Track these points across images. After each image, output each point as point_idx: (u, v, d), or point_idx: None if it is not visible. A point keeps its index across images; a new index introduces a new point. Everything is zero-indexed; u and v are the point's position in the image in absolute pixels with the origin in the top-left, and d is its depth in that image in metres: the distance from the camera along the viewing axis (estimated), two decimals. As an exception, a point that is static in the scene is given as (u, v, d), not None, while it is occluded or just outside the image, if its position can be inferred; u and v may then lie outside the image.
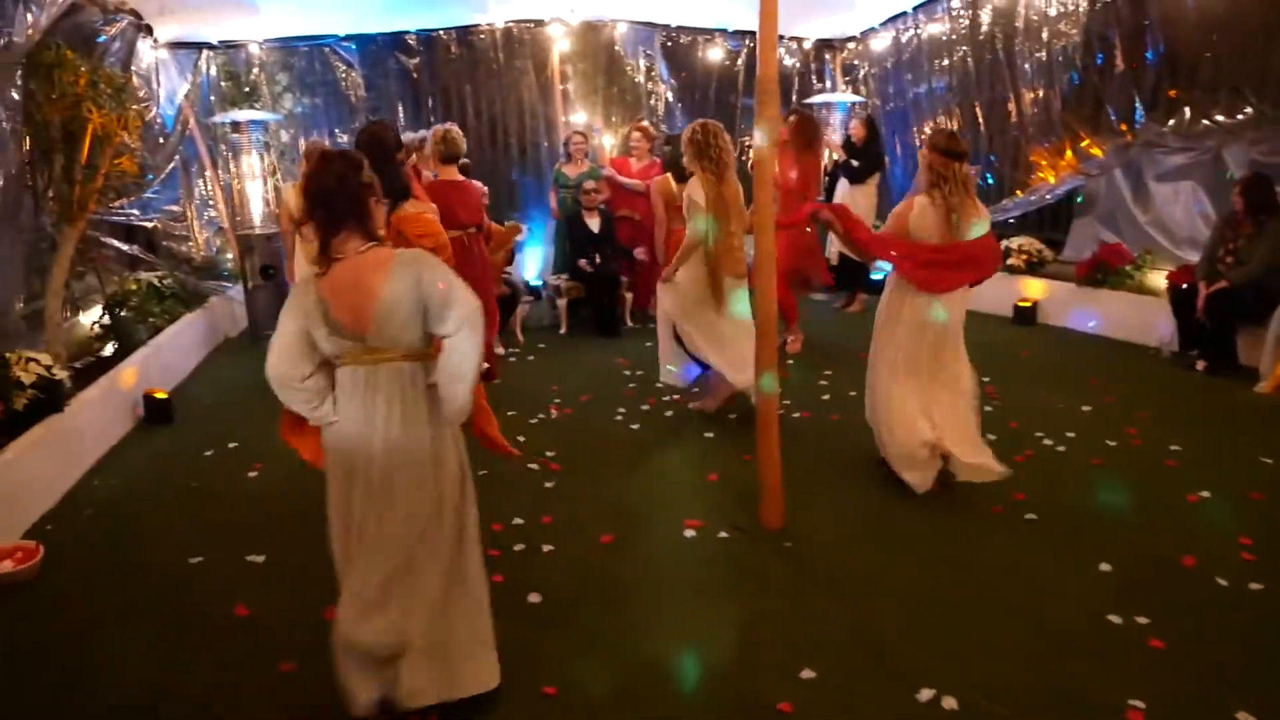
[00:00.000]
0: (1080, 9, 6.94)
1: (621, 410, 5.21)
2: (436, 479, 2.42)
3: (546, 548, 3.51)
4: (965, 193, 3.74)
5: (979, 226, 3.76)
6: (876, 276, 7.65)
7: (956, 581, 3.20)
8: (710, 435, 4.75)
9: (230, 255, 7.92)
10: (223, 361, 6.92)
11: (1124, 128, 6.85)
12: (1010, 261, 7.44)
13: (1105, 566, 3.28)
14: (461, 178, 5.73)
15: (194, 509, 4.04)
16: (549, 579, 3.28)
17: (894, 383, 3.87)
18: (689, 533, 3.62)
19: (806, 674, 2.68)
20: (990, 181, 8.18)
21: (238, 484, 4.32)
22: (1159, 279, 6.52)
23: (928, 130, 8.68)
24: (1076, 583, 3.18)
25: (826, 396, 5.34)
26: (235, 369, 6.66)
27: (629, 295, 7.50)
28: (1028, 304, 7.30)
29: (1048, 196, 7.69)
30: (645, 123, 8.25)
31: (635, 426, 4.94)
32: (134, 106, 5.58)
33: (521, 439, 4.67)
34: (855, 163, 7.65)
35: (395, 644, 2.37)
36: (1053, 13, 7.13)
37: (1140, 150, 7.04)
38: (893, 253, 3.81)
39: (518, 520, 3.75)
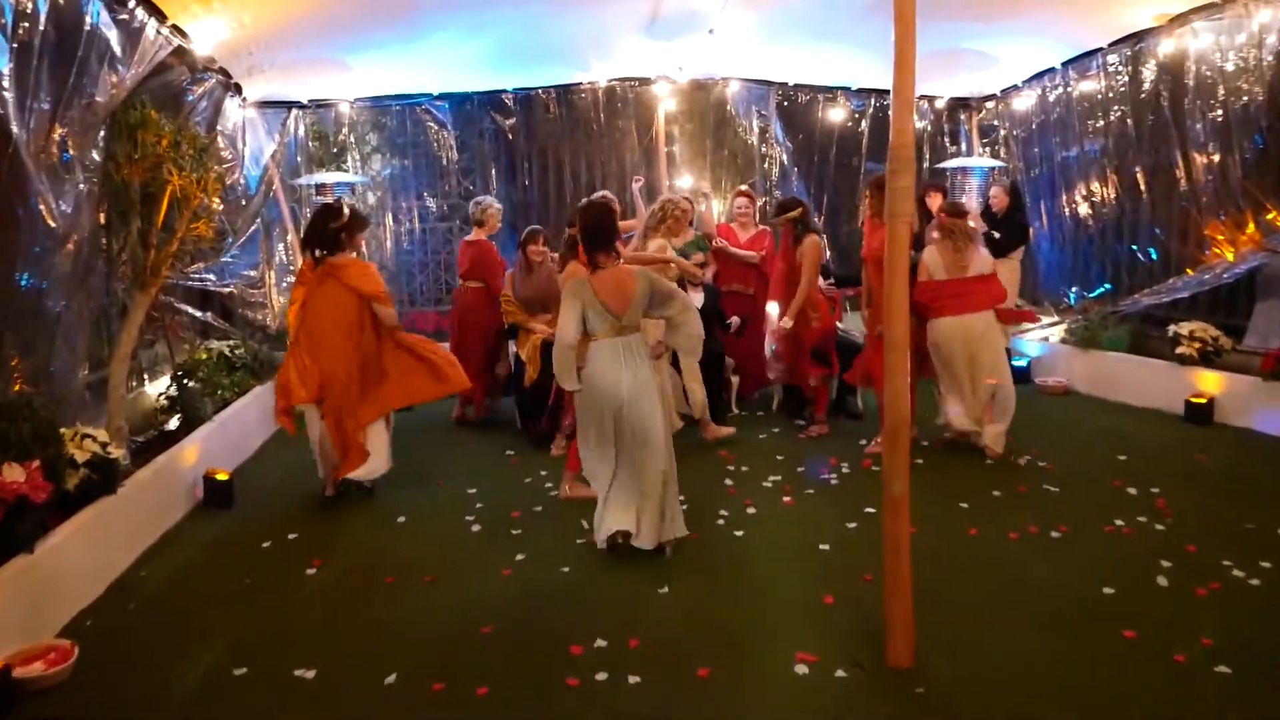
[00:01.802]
0: (1264, 63, 6.56)
1: (724, 513, 4.97)
2: (660, 398, 4.36)
3: (633, 679, 3.28)
4: (968, 240, 5.83)
5: (979, 266, 5.85)
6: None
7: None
8: (825, 548, 4.46)
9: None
10: (289, 439, 6.91)
11: (1319, 198, 6.39)
12: (1180, 350, 6.97)
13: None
14: None
15: (245, 608, 3.97)
16: (635, 717, 3.04)
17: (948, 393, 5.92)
18: (800, 668, 3.33)
19: None
20: (1155, 257, 7.75)
21: (295, 581, 4.24)
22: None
23: (1078, 198, 8.33)
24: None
25: (965, 504, 5.00)
26: (302, 448, 6.64)
27: (735, 379, 7.30)
28: (1202, 400, 6.78)
29: (1225, 276, 7.19)
30: (745, 187, 8.17)
31: (739, 533, 4.69)
32: (215, 168, 5.72)
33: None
34: (996, 234, 7.35)
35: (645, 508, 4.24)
36: (1230, 68, 6.77)
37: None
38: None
39: (600, 642, 3.53)
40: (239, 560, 4.54)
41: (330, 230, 5.14)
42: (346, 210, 5.23)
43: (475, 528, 4.91)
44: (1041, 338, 8.61)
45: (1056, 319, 8.66)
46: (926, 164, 9.47)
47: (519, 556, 4.45)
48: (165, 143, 5.03)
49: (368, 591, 4.10)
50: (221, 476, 5.39)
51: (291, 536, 4.82)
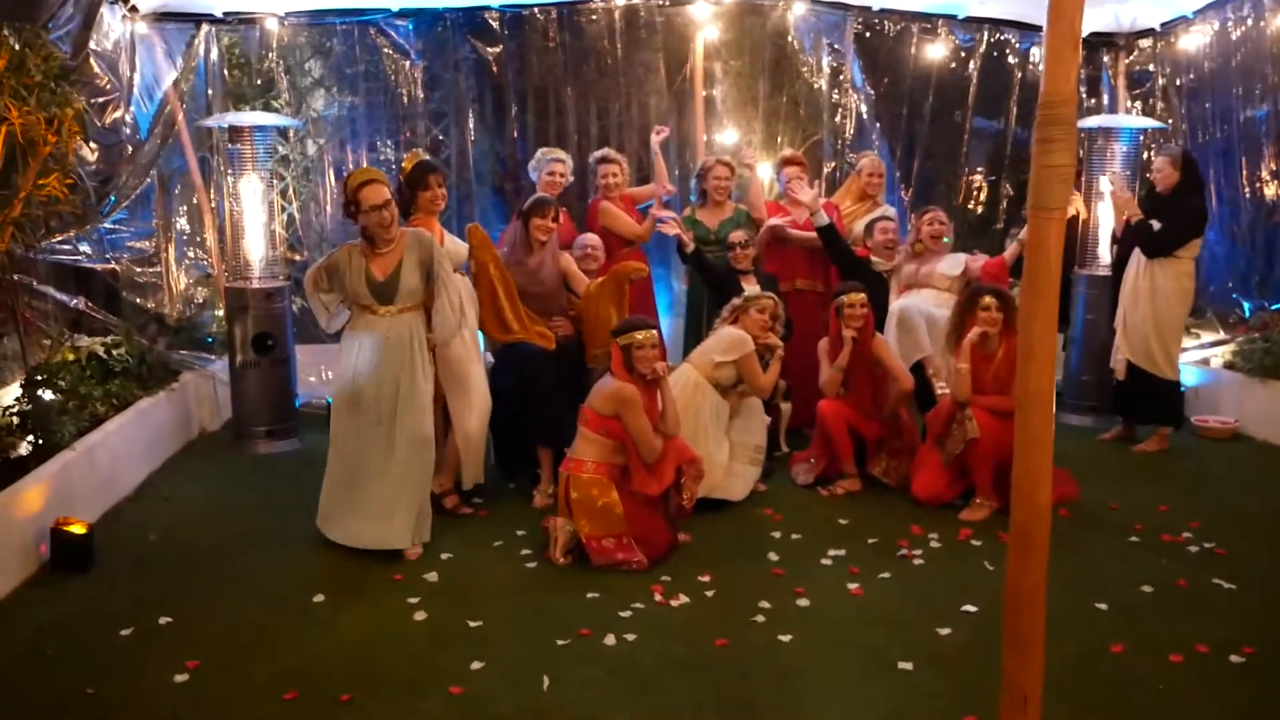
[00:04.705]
0: None
1: (764, 605, 4.58)
2: None
3: None
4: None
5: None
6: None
7: None
8: (908, 667, 4.04)
9: (221, 312, 7.75)
10: (188, 469, 6.69)
11: None
12: None
13: None
14: None
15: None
16: None
17: None
18: None
19: None
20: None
21: (154, 693, 3.87)
22: None
23: (1264, 174, 7.89)
24: None
25: (1103, 605, 4.56)
26: (203, 482, 6.41)
27: (786, 406, 6.89)
28: None
29: None
30: (793, 151, 7.85)
31: (785, 638, 4.29)
32: (77, 103, 5.38)
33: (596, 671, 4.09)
34: (1155, 224, 6.85)
35: None
36: None
37: None
38: None
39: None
40: (84, 654, 4.18)
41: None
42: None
43: (418, 615, 4.53)
44: (1200, 360, 8.22)
45: (1224, 336, 8.28)
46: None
47: (475, 665, 4.07)
48: (1, 65, 4.68)
49: (253, 715, 3.74)
50: (76, 529, 5.03)
51: (163, 621, 4.45)
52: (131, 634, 4.34)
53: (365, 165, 8.35)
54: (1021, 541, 2.74)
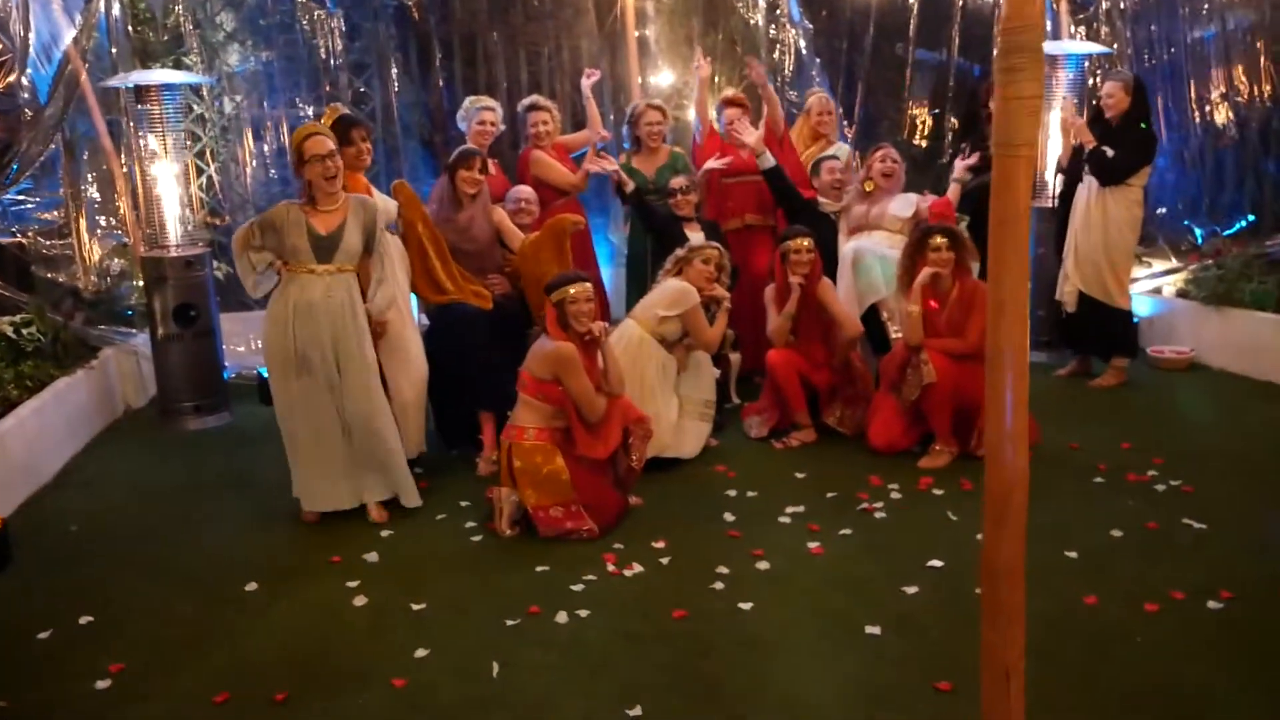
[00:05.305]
0: None
1: (722, 570, 4.39)
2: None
3: None
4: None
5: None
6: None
7: None
8: (875, 631, 3.86)
9: (140, 283, 7.38)
10: (112, 451, 6.36)
11: None
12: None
13: None
14: None
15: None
16: None
17: None
18: None
19: None
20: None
21: (72, 706, 3.59)
22: None
23: (1214, 97, 7.78)
24: None
25: (1073, 553, 4.40)
26: (128, 463, 6.11)
27: (735, 357, 6.68)
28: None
29: None
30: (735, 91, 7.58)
31: (745, 605, 4.10)
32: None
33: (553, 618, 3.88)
34: (1109, 151, 6.67)
35: None
36: None
37: None
38: None
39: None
40: (-3, 662, 3.91)
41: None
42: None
43: (358, 600, 4.27)
44: (1153, 289, 8.12)
45: (1176, 265, 8.16)
46: (994, 51, 8.86)
47: (419, 653, 3.83)
48: None
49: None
50: (-12, 523, 4.73)
51: (84, 621, 4.16)
52: (50, 637, 4.06)
53: (284, 122, 8.08)
54: (998, 510, 2.54)
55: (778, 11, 8.73)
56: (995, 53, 2.44)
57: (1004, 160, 2.44)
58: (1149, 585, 4.10)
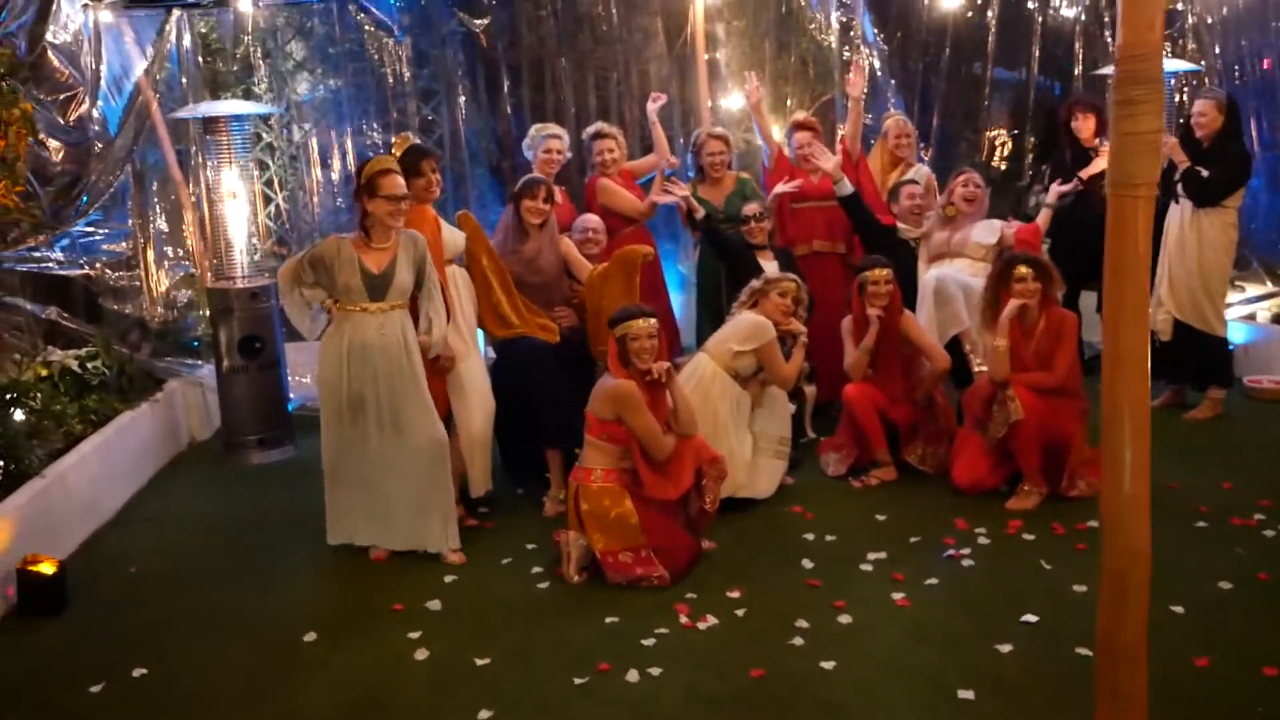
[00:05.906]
0: None
1: (802, 624, 4.17)
2: None
3: None
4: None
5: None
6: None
7: None
8: (968, 696, 3.61)
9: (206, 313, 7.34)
10: (176, 486, 6.29)
11: None
12: None
13: None
14: None
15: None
16: None
17: None
18: None
19: None
20: None
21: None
22: None
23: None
24: None
25: (1179, 608, 4.12)
26: (191, 499, 6.04)
27: (810, 390, 6.44)
28: None
29: None
30: (805, 115, 7.38)
31: (827, 665, 3.87)
32: (26, 104, 4.97)
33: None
34: (1204, 171, 6.38)
35: None
36: None
37: None
38: None
39: None
40: (48, 717, 3.81)
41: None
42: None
43: (420, 654, 4.11)
44: (1247, 315, 7.79)
45: (1272, 289, 7.86)
46: (1078, 70, 8.63)
47: (482, 715, 3.64)
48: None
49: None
50: (45, 568, 4.62)
51: (138, 673, 4.04)
52: (102, 690, 3.95)
53: (350, 150, 8.04)
54: (1117, 589, 2.31)
55: (851, 32, 8.52)
56: (1111, 84, 2.21)
57: (1121, 201, 2.22)
58: (1265, 645, 3.81)
